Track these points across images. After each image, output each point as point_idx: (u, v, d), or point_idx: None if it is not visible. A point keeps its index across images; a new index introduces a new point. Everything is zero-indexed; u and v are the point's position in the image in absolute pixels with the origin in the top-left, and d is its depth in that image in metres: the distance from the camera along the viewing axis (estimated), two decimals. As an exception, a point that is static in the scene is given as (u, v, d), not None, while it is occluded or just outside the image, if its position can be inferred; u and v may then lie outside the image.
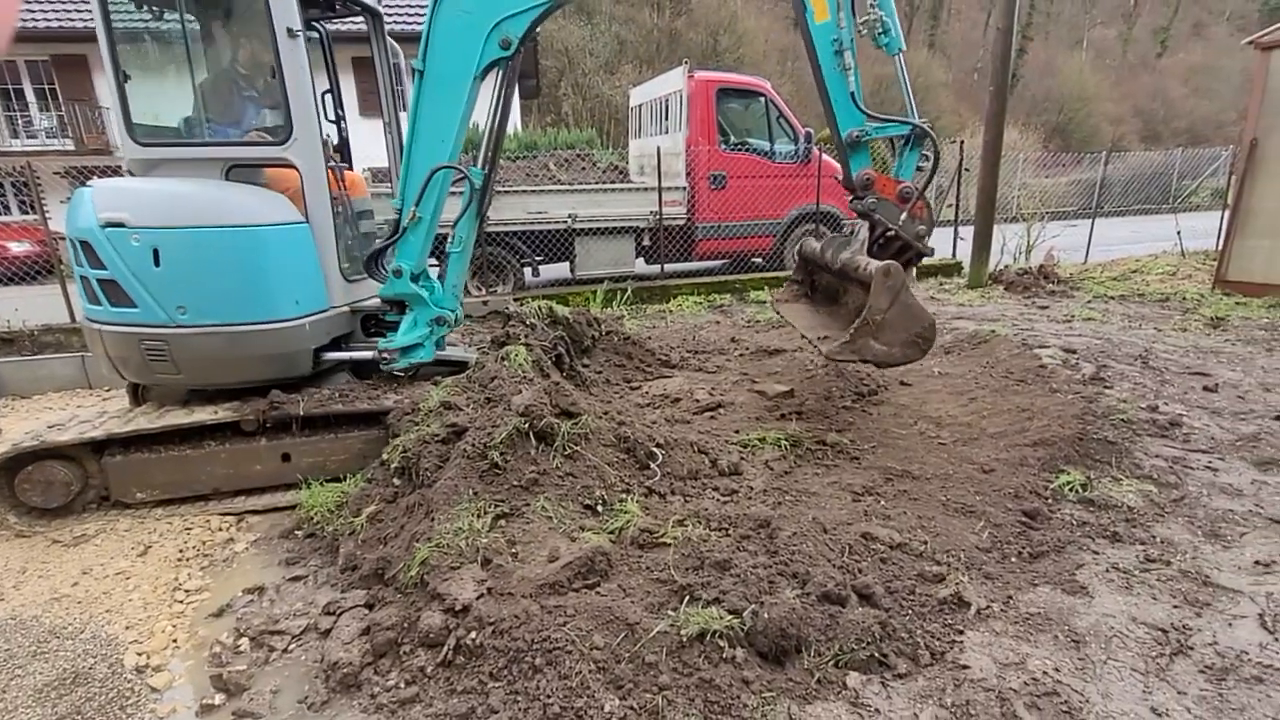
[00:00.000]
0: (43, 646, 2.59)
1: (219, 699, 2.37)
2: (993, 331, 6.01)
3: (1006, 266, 9.88)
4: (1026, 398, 4.53)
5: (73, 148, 17.71)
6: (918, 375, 5.32)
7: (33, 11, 16.57)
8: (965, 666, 2.18)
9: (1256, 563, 2.72)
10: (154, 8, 3.89)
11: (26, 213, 17.80)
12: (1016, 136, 26.52)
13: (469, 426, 3.42)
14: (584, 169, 9.44)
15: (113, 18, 3.57)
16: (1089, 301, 8.12)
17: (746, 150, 9.52)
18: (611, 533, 2.95)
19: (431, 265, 4.22)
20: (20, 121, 17.65)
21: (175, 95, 3.81)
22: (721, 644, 2.27)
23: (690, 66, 9.36)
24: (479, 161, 4.02)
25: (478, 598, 2.51)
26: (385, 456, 3.50)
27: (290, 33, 3.54)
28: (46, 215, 7.14)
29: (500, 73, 3.77)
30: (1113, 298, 8.32)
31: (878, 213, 3.74)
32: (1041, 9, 47.65)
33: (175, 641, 2.69)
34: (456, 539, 2.79)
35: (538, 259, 9.04)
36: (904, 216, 3.72)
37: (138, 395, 4.27)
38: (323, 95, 4.19)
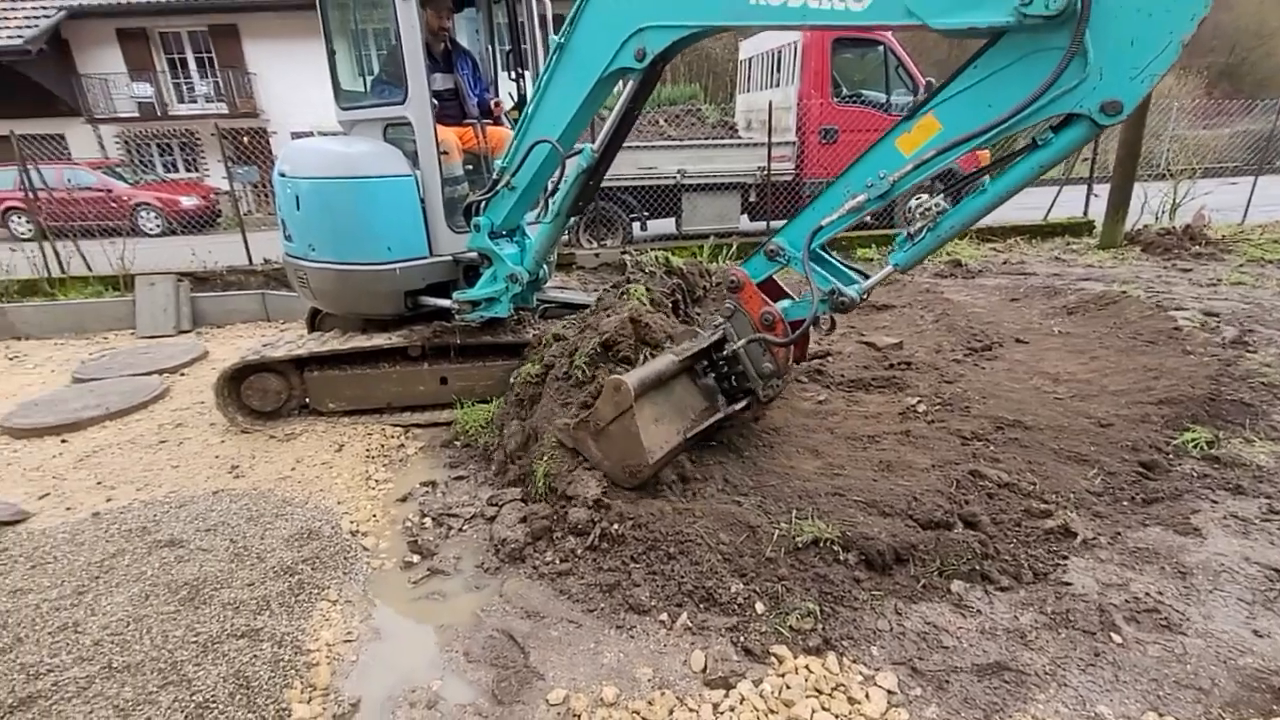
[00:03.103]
0: (281, 510, 3.31)
1: (415, 559, 2.97)
2: (1123, 292, 5.73)
3: (1146, 226, 9.12)
4: (1155, 358, 4.40)
5: (227, 111, 19.72)
6: (1035, 334, 5.22)
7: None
8: (1067, 584, 2.37)
9: (1396, 525, 2.67)
10: None
11: (192, 170, 20.23)
12: (1171, 83, 23.46)
13: (557, 359, 3.75)
14: (693, 124, 9.55)
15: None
16: (1241, 265, 7.42)
17: (860, 103, 9.27)
18: (730, 454, 3.29)
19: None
20: (185, 88, 19.82)
21: (361, 63, 4.37)
22: (836, 549, 2.58)
23: (805, 15, 9.14)
24: (596, 143, 3.69)
25: (602, 493, 2.94)
26: (512, 381, 4.00)
27: None
28: (205, 172, 8.18)
29: (631, 83, 3.41)
30: (1270, 261, 7.55)
31: (731, 321, 3.14)
32: (1218, -72, 40.87)
33: (374, 516, 3.34)
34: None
35: (645, 214, 9.35)
36: (750, 343, 3.05)
37: (314, 323, 5.05)
38: (506, 54, 4.57)
